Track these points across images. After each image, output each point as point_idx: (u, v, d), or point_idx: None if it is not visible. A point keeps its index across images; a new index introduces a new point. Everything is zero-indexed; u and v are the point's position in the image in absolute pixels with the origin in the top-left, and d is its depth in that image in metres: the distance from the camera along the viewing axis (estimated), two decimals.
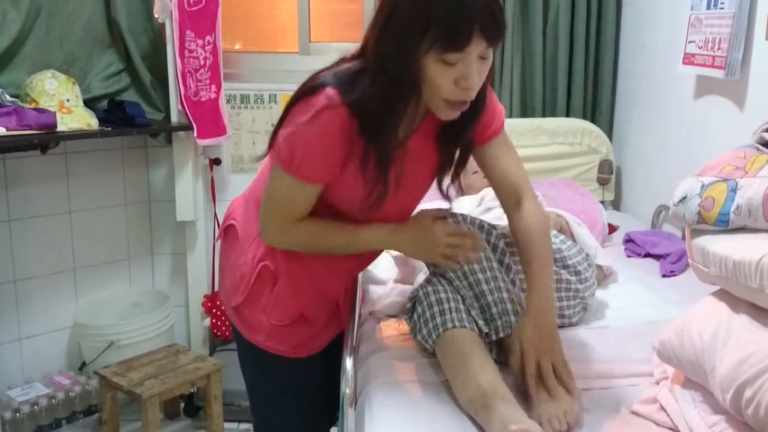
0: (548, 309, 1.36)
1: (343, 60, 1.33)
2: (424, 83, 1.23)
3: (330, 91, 1.24)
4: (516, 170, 1.47)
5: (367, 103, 1.24)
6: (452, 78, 1.21)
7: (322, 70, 1.32)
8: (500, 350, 1.44)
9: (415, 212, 1.50)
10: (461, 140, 1.41)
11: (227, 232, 1.58)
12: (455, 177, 1.47)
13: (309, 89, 1.27)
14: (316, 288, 1.48)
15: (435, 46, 1.18)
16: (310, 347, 1.54)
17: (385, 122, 1.26)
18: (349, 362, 1.38)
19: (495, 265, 1.47)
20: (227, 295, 1.54)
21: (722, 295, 1.26)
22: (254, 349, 1.52)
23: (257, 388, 1.64)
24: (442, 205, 1.52)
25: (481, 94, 1.32)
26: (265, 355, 1.51)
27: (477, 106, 1.33)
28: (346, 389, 1.33)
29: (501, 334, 1.40)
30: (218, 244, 1.64)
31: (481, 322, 1.40)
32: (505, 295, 1.43)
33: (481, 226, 1.52)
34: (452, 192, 1.50)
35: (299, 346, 1.52)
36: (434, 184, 1.50)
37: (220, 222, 1.69)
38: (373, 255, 1.57)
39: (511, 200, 1.47)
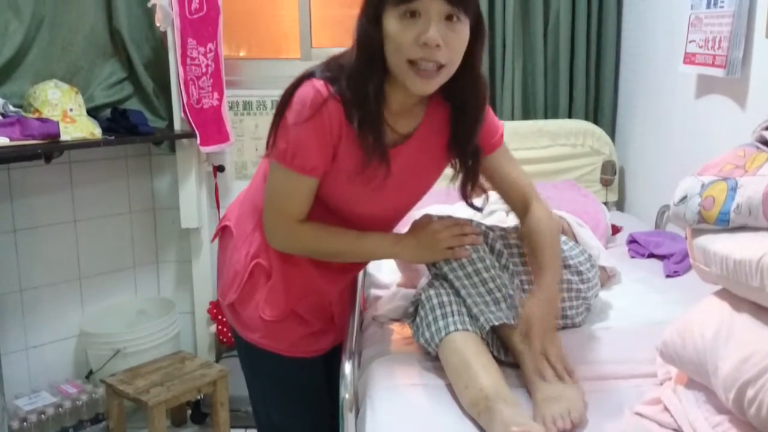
0: (555, 297, 1.44)
1: (333, 58, 1.38)
2: (388, 45, 1.27)
3: (317, 83, 1.30)
4: (521, 177, 1.55)
5: (349, 81, 1.30)
6: (413, 35, 1.24)
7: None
8: (506, 351, 1.43)
9: (414, 218, 1.53)
10: (470, 144, 1.45)
11: (222, 233, 1.61)
12: (473, 189, 1.52)
13: (297, 81, 1.33)
14: (309, 287, 1.50)
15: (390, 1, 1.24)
16: (307, 349, 1.55)
17: (366, 94, 1.30)
18: (348, 367, 1.37)
19: (496, 263, 1.48)
20: (223, 293, 1.57)
21: (724, 294, 1.25)
22: (250, 347, 1.53)
23: (256, 387, 1.65)
24: (440, 210, 1.56)
25: (474, 91, 1.39)
26: (261, 353, 1.52)
27: (476, 108, 1.42)
28: (345, 394, 1.33)
29: (511, 321, 1.40)
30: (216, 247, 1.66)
31: (482, 320, 1.39)
32: (511, 291, 1.44)
33: (479, 228, 1.52)
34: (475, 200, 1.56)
35: (294, 345, 1.52)
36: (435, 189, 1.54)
37: None
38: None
39: (519, 205, 1.54)
